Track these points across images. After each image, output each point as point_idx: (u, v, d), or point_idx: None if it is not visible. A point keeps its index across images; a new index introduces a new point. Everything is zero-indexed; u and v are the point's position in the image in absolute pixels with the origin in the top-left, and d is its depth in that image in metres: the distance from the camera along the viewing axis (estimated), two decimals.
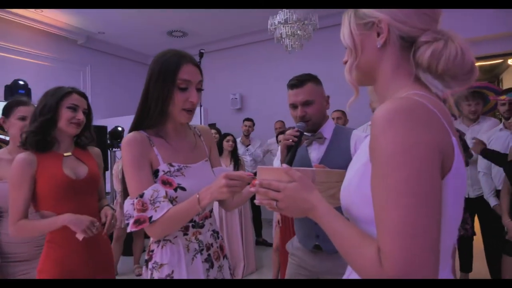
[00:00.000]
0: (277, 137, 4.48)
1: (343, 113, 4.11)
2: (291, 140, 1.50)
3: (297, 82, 1.61)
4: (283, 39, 4.50)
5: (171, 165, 1.19)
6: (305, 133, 1.60)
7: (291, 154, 1.45)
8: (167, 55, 1.17)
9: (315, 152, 1.63)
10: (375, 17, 0.76)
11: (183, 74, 1.14)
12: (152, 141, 1.20)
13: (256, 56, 6.55)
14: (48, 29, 5.71)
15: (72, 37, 6.08)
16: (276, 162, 1.68)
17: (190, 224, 1.22)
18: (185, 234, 1.21)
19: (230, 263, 1.36)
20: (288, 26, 4.38)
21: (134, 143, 1.16)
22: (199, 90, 1.20)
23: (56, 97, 1.54)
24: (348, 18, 0.82)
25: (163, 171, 1.17)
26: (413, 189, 0.59)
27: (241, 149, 5.02)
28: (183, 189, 1.16)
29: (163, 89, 1.15)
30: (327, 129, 1.66)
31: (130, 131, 1.21)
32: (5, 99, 4.47)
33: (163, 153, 1.20)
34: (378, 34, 0.76)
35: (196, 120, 5.45)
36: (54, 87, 1.60)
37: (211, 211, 1.32)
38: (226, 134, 4.04)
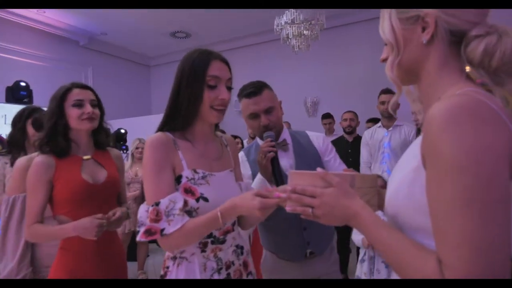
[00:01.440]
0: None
1: (355, 114, 4.03)
2: (272, 153, 1.40)
3: (255, 89, 1.51)
4: (289, 40, 4.43)
5: (195, 171, 1.10)
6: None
7: (277, 166, 1.40)
8: (196, 53, 1.13)
9: (284, 160, 1.53)
10: (421, 10, 0.70)
11: (212, 70, 1.10)
12: (178, 144, 1.12)
13: (261, 57, 6.46)
14: (50, 30, 5.64)
15: (74, 38, 6.01)
16: (257, 182, 1.50)
17: (209, 240, 1.11)
18: (203, 251, 1.11)
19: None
20: (295, 26, 4.31)
21: (157, 144, 1.08)
22: (229, 88, 1.14)
23: (57, 99, 1.47)
24: (388, 12, 0.76)
25: (187, 177, 1.09)
26: (481, 197, 0.54)
27: None
28: (206, 200, 1.08)
29: (193, 87, 1.09)
30: (286, 135, 1.60)
31: (157, 132, 1.15)
32: (7, 101, 4.39)
33: (188, 157, 1.12)
34: (423, 29, 0.70)
35: None
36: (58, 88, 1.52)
37: (234, 224, 1.20)
38: (234, 137, 3.96)
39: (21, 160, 1.66)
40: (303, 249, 1.54)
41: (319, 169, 0.81)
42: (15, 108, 2.49)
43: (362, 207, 0.74)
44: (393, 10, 0.75)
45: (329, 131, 4.63)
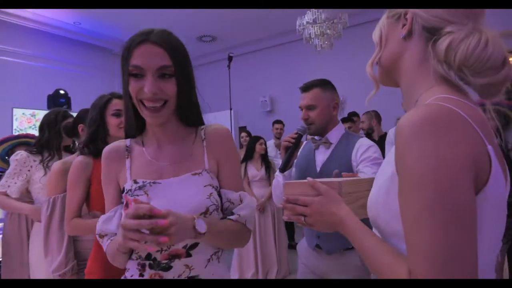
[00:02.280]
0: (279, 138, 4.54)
1: (371, 114, 4.03)
2: (288, 142, 1.62)
3: (304, 87, 1.72)
4: (312, 39, 4.46)
5: (135, 181, 0.95)
6: (315, 137, 1.71)
7: (288, 155, 1.58)
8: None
9: (321, 156, 1.69)
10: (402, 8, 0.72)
11: (134, 59, 0.89)
12: (131, 152, 1.01)
13: (285, 57, 6.53)
14: (86, 40, 6.00)
15: (108, 46, 6.35)
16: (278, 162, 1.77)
17: (147, 263, 0.92)
18: (141, 275, 0.93)
19: None
20: (317, 26, 4.34)
21: (103, 158, 1.03)
22: (167, 76, 0.90)
23: (99, 108, 1.59)
24: (383, 15, 0.80)
25: (126, 189, 0.96)
26: (443, 209, 0.54)
27: (272, 152, 5.01)
28: None
29: (123, 81, 0.94)
30: (335, 134, 1.70)
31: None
32: (48, 107, 4.73)
33: (135, 166, 0.99)
34: (403, 26, 0.71)
35: (226, 123, 5.53)
36: (97, 97, 1.66)
37: (189, 247, 0.92)
38: (259, 138, 4.03)
39: (57, 164, 1.81)
40: (313, 239, 1.65)
41: (309, 179, 0.83)
42: None
43: (347, 214, 0.75)
44: (386, 11, 0.77)
45: (354, 132, 4.63)
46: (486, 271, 0.64)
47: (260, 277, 3.68)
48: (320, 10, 4.29)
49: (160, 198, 0.91)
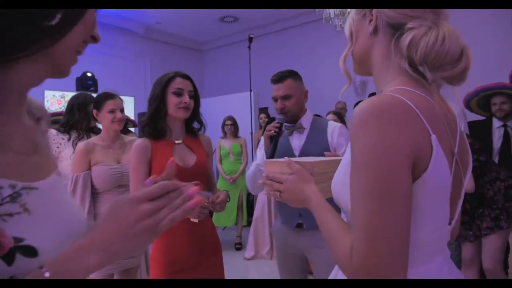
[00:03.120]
0: (264, 128, 4.57)
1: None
2: (272, 131, 1.69)
3: (278, 78, 1.78)
4: (332, 19, 4.40)
5: None
6: (285, 123, 1.79)
7: (273, 144, 1.67)
8: None
9: (296, 141, 1.79)
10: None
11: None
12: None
13: (305, 38, 6.44)
14: (113, 23, 6.16)
15: (133, 29, 6.49)
16: (260, 151, 1.84)
17: None
18: None
19: None
20: None
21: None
22: None
23: (161, 85, 1.56)
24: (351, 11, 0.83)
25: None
26: (380, 191, 0.60)
27: None
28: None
29: None
30: (306, 120, 1.81)
31: None
32: (77, 89, 4.98)
33: None
34: (370, 22, 0.75)
35: (246, 105, 5.60)
36: (162, 74, 1.62)
37: None
38: (273, 119, 4.10)
39: (81, 144, 1.97)
40: (295, 218, 1.73)
41: (285, 158, 0.91)
42: None
43: (313, 192, 0.82)
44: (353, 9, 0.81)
45: None
46: (435, 246, 0.71)
47: (275, 253, 3.84)
48: None
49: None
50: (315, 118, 1.84)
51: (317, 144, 1.73)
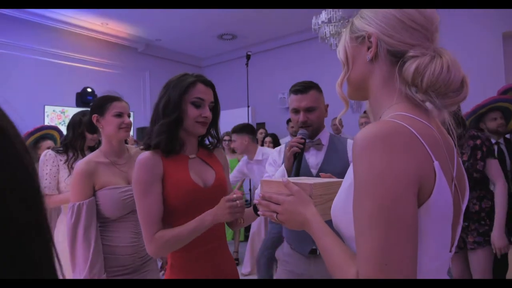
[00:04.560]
0: (262, 141, 4.51)
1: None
2: (297, 148, 1.53)
3: (302, 88, 1.63)
4: (328, 38, 4.51)
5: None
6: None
7: (297, 161, 1.52)
8: None
9: (313, 158, 1.66)
10: (365, 31, 0.75)
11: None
12: None
13: (303, 55, 6.57)
14: (112, 40, 6.28)
15: (133, 45, 6.61)
16: (272, 167, 1.73)
17: None
18: None
19: None
20: (332, 25, 4.38)
21: None
22: None
23: (179, 90, 1.26)
24: (344, 33, 0.82)
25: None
26: (388, 219, 0.58)
27: None
28: None
29: None
30: (324, 136, 1.69)
31: None
32: (77, 105, 5.03)
33: None
34: (368, 48, 0.75)
35: (243, 120, 5.64)
36: (177, 75, 1.33)
37: None
38: (272, 135, 4.21)
39: (80, 164, 1.57)
40: (308, 244, 1.59)
41: (284, 179, 0.89)
42: None
43: (313, 215, 0.79)
44: (348, 30, 0.81)
45: None
46: (436, 274, 0.69)
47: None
48: (335, 9, 4.32)
49: None
50: (333, 135, 1.72)
51: (337, 162, 1.61)
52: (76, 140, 2.17)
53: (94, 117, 1.66)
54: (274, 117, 6.67)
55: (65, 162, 2.16)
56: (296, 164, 1.52)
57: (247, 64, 5.25)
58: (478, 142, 2.23)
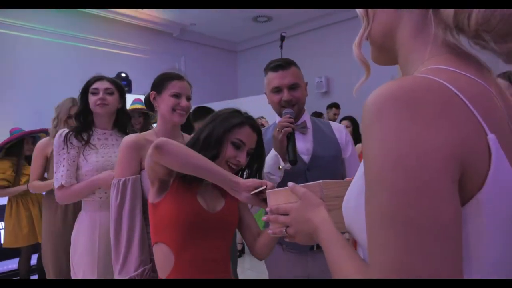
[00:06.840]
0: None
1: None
2: (289, 127, 1.35)
3: (283, 63, 1.48)
4: None
5: None
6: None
7: (292, 142, 1.35)
8: None
9: (301, 143, 1.48)
10: None
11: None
12: None
13: (340, 36, 6.22)
14: (148, 25, 6.30)
15: (168, 30, 6.59)
16: (270, 158, 1.41)
17: None
18: None
19: None
20: None
21: None
22: None
23: (225, 127, 1.18)
24: None
25: None
26: (405, 215, 0.40)
27: None
28: None
29: None
30: (307, 119, 1.55)
31: None
32: None
33: None
34: None
35: None
36: (230, 109, 1.24)
37: None
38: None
39: (130, 138, 1.44)
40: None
41: (289, 183, 0.74)
42: None
43: (322, 221, 0.64)
44: None
45: None
46: None
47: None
48: None
49: None
50: (312, 118, 1.59)
51: (329, 145, 1.49)
52: (86, 126, 1.91)
53: (152, 94, 1.54)
54: (311, 102, 6.42)
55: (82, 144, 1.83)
56: (291, 145, 1.35)
57: (281, 46, 5.05)
58: None
